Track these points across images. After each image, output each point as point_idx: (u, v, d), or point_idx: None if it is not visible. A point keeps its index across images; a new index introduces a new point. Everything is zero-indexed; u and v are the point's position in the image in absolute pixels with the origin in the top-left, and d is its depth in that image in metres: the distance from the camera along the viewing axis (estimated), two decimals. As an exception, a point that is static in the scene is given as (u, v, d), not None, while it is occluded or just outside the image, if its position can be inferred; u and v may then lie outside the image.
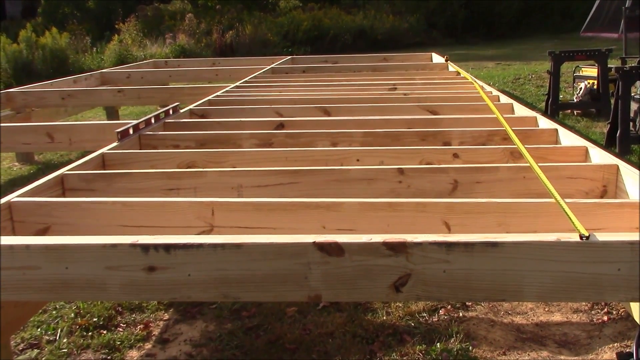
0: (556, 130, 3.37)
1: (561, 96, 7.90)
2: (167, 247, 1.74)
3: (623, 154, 5.10)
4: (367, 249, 1.72)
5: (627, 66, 5.33)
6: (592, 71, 7.17)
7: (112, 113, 7.59)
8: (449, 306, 2.73)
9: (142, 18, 20.23)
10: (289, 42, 17.92)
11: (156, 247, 1.74)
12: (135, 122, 3.48)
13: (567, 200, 2.10)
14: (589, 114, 6.85)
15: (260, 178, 2.62)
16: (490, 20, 20.14)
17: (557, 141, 3.32)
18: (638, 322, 1.90)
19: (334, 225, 2.14)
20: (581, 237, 1.72)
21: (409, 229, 2.08)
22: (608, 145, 5.35)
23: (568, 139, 3.20)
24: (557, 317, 2.62)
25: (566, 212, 1.90)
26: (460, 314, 2.68)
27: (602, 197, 2.57)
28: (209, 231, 2.19)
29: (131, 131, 3.37)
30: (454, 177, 2.59)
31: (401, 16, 19.58)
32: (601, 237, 1.72)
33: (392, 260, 1.72)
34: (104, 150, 3.03)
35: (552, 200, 2.04)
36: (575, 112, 7.00)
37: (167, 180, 2.62)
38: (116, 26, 18.88)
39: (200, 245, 1.73)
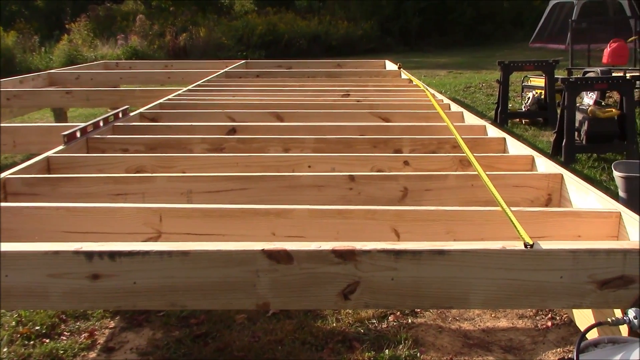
0: (504, 139, 3.44)
1: (510, 105, 8.07)
2: (112, 255, 1.70)
3: (568, 163, 5.24)
4: (316, 256, 1.72)
5: (572, 77, 5.49)
6: (540, 81, 7.35)
7: (60, 115, 7.41)
8: (398, 313, 2.75)
9: (94, 18, 19.83)
10: (243, 46, 17.83)
11: (100, 254, 1.69)
12: (83, 125, 3.40)
13: (513, 208, 2.14)
14: (537, 123, 7.02)
15: (210, 184, 2.60)
16: (444, 28, 20.47)
17: (504, 150, 3.39)
18: (579, 327, 1.95)
19: (284, 232, 2.13)
20: (525, 246, 1.76)
21: (358, 236, 2.08)
22: (554, 154, 5.49)
23: (515, 148, 3.27)
24: (503, 323, 2.67)
25: (512, 221, 1.94)
26: (409, 321, 2.70)
27: (547, 205, 2.63)
28: (156, 238, 2.15)
29: (78, 134, 3.29)
30: (404, 184, 2.61)
31: (355, 22, 19.71)
32: (545, 245, 1.76)
33: (340, 268, 1.72)
34: (49, 153, 2.95)
35: (499, 208, 2.07)
36: (523, 121, 7.16)
37: (114, 185, 2.56)
38: (66, 26, 18.44)
39: (146, 253, 1.70)
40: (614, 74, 6.99)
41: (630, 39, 9.05)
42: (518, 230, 1.85)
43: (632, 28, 9.47)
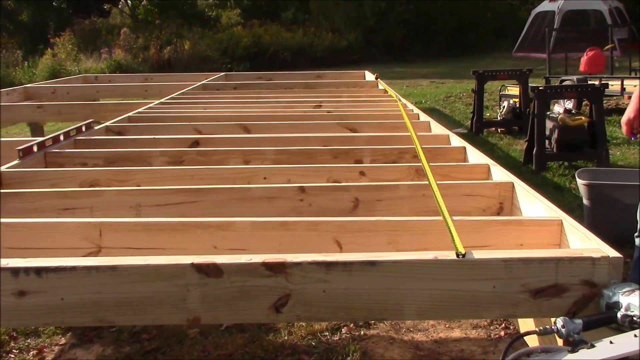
0: (464, 148, 3.44)
1: (488, 114, 8.11)
2: (38, 271, 1.67)
3: (539, 171, 5.25)
4: (246, 269, 1.70)
5: (541, 86, 5.51)
6: (516, 90, 7.37)
7: (36, 129, 7.35)
8: (352, 325, 2.73)
9: (79, 32, 19.81)
10: (228, 59, 17.85)
11: (26, 270, 1.67)
12: (40, 139, 3.38)
13: (456, 217, 2.14)
14: (512, 132, 7.05)
15: (159, 197, 2.58)
16: (427, 39, 20.56)
17: (465, 159, 3.39)
18: (521, 332, 1.93)
19: (226, 244, 2.12)
20: (458, 255, 1.75)
21: (301, 248, 2.07)
22: (526, 162, 5.50)
23: (474, 156, 3.27)
24: (456, 333, 2.66)
25: (449, 230, 1.93)
26: (362, 332, 2.68)
27: (498, 213, 2.63)
28: (96, 253, 2.13)
29: (35, 149, 3.26)
30: (355, 195, 2.60)
31: (340, 34, 19.79)
32: (477, 255, 1.76)
33: (271, 281, 1.71)
34: (2, 168, 2.92)
35: (441, 218, 2.07)
36: (499, 129, 7.18)
37: (62, 200, 2.54)
38: (50, 40, 18.41)
39: (73, 268, 1.68)
40: (590, 82, 7.01)
41: (606, 47, 9.12)
42: (453, 240, 1.85)
43: (608, 37, 9.56)
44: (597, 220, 3.74)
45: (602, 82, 6.51)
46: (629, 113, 2.64)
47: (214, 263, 1.70)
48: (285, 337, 2.63)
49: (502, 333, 2.65)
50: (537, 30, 17.35)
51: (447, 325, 2.72)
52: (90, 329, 2.74)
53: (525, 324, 2.12)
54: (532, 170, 5.33)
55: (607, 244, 1.84)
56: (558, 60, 10.24)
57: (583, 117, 5.39)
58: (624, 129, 2.67)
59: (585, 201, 3.83)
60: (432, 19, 20.39)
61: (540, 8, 18.51)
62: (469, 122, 7.41)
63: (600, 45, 9.62)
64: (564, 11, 17.38)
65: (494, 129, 7.22)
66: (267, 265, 1.70)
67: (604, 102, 6.75)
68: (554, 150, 5.38)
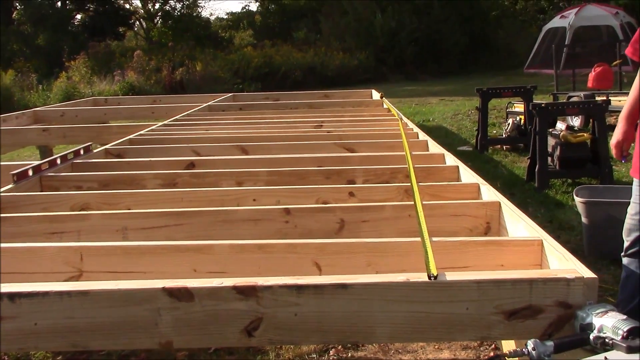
0: (457, 167, 3.43)
1: (495, 131, 8.09)
2: (12, 296, 1.69)
3: (542, 188, 5.21)
4: (217, 293, 1.70)
5: (543, 103, 5.49)
6: (522, 107, 7.35)
7: (45, 152, 7.46)
8: (340, 347, 2.72)
9: (93, 55, 20.11)
10: (239, 79, 18.00)
11: (-1, 296, 1.69)
12: (36, 163, 3.42)
13: (436, 238, 2.13)
14: (517, 149, 7.02)
15: (146, 220, 2.59)
16: (439, 57, 20.59)
17: (458, 178, 3.38)
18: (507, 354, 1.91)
19: (205, 268, 2.12)
20: (430, 277, 1.74)
21: (279, 270, 2.07)
22: (529, 179, 5.47)
23: (466, 176, 3.26)
24: (445, 355, 2.63)
25: (425, 251, 1.92)
26: (350, 354, 2.67)
27: (485, 233, 2.62)
28: (77, 277, 2.14)
29: (30, 172, 3.30)
30: (340, 216, 2.60)
31: (351, 53, 19.88)
32: (449, 276, 1.74)
33: (243, 305, 1.71)
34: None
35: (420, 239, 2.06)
36: (504, 147, 7.15)
37: (50, 224, 2.56)
38: (65, 63, 18.70)
39: (46, 294, 1.69)
40: (597, 98, 6.98)
41: (614, 63, 9.07)
42: (427, 262, 1.84)
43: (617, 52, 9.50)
44: (595, 237, 3.71)
45: (605, 99, 6.48)
46: (617, 136, 2.62)
47: (185, 287, 1.71)
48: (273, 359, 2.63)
49: (492, 354, 2.63)
50: (548, 46, 17.27)
51: (436, 347, 2.70)
52: (79, 353, 2.75)
53: (509, 345, 2.10)
54: (535, 187, 5.29)
55: (605, 261, 1.82)
56: (568, 77, 10.21)
57: (585, 134, 5.36)
58: (613, 152, 2.65)
59: (583, 219, 3.80)
60: (443, 37, 20.43)
61: (551, 24, 18.49)
62: (475, 139, 7.39)
63: (610, 60, 9.57)
64: (575, 27, 17.34)
65: (499, 146, 7.20)
66: (238, 289, 1.71)
67: (612, 117, 6.72)
68: (557, 167, 5.35)
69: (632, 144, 2.55)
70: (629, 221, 2.51)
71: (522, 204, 4.94)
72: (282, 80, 18.26)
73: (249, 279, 1.73)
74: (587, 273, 1.77)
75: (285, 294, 1.70)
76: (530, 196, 5.13)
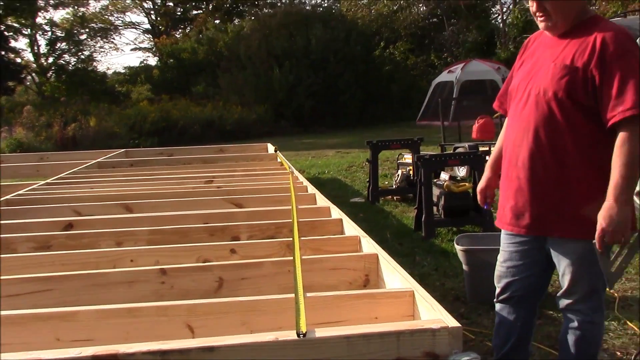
0: (341, 220, 3.48)
1: (387, 182, 8.31)
2: None
3: (428, 237, 5.37)
4: (75, 364, 1.61)
5: (427, 154, 5.72)
6: (411, 158, 7.61)
7: None
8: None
9: (-22, 111, 19.14)
10: (136, 134, 17.62)
11: None
12: None
13: (310, 294, 2.13)
14: (407, 199, 7.23)
15: (12, 287, 2.45)
16: (336, 110, 21.10)
17: (342, 231, 3.43)
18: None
19: (70, 336, 2.01)
20: (298, 335, 1.73)
21: (149, 335, 1.99)
22: (416, 229, 5.63)
23: (349, 228, 3.31)
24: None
25: (297, 308, 1.91)
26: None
27: (364, 286, 2.65)
28: None
29: None
30: (219, 274, 2.56)
31: (249, 107, 20.02)
32: (319, 333, 1.74)
33: (103, 375, 1.62)
34: None
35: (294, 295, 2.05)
36: (394, 197, 7.35)
37: None
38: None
39: None
40: (480, 149, 7.34)
41: (495, 115, 9.62)
42: (297, 319, 1.83)
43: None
44: (475, 284, 3.84)
45: (487, 149, 6.84)
46: (481, 183, 2.76)
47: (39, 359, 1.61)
48: None
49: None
50: (438, 99, 18.19)
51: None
52: None
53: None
54: (422, 236, 5.44)
55: (486, 306, 1.87)
56: (456, 128, 10.70)
57: (467, 184, 5.60)
58: (478, 197, 2.78)
59: (464, 266, 3.93)
60: (339, 91, 20.98)
61: (440, 79, 19.49)
62: (367, 191, 7.55)
63: (492, 113, 10.14)
64: (461, 81, 18.35)
65: (390, 197, 7.39)
66: (98, 359, 1.62)
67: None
68: (442, 216, 5.54)
69: (497, 192, 2.67)
70: (498, 268, 2.61)
71: (410, 254, 5.07)
72: (180, 134, 18.04)
73: (111, 347, 1.65)
74: (452, 322, 1.82)
75: (148, 361, 1.64)
76: (418, 245, 5.28)
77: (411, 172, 7.16)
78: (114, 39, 32.33)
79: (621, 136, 2.14)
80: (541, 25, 2.37)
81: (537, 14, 2.34)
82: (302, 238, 3.01)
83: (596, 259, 2.27)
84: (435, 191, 5.59)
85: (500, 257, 2.62)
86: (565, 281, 2.38)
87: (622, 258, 2.26)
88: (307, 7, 25.35)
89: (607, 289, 2.65)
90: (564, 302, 2.42)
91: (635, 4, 13.12)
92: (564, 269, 2.36)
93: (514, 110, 2.46)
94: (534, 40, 2.55)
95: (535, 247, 2.45)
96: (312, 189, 4.69)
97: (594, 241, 2.17)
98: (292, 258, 2.57)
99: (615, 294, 3.92)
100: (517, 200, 2.42)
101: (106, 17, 30.61)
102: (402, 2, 26.91)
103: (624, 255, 2.26)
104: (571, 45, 2.28)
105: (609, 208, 2.13)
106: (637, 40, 6.51)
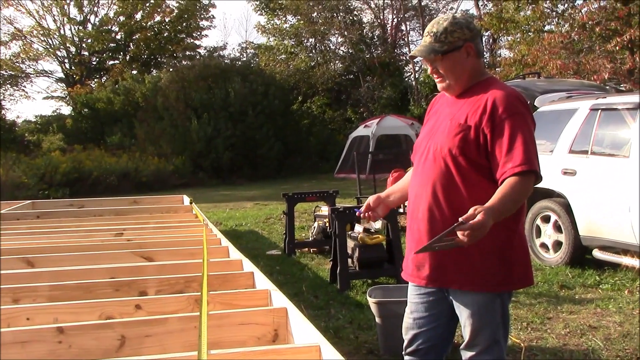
0: (252, 273, 3.44)
1: (304, 234, 8.31)
2: None
3: (343, 289, 5.39)
4: None
5: (341, 207, 5.78)
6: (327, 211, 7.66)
7: None
8: None
9: None
10: (45, 185, 16.93)
11: None
12: None
13: (215, 351, 2.08)
14: (324, 251, 7.24)
15: None
16: (254, 162, 21.11)
17: (253, 284, 3.38)
18: None
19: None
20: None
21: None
22: (332, 281, 5.64)
23: (259, 281, 3.27)
24: None
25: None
26: None
27: (273, 341, 2.61)
28: None
29: None
30: (121, 332, 2.46)
31: (167, 158, 19.74)
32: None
33: None
34: None
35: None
36: (311, 249, 7.36)
37: None
38: None
39: None
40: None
41: (407, 169, 9.90)
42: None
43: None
44: (387, 336, 3.86)
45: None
46: (375, 195, 2.72)
47: None
48: None
49: None
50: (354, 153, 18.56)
51: None
52: None
53: None
54: (337, 289, 5.45)
55: (398, 358, 1.85)
56: (372, 181, 10.92)
57: (380, 236, 5.68)
58: (363, 206, 2.72)
59: (377, 318, 3.95)
60: (258, 143, 21.04)
61: (356, 133, 19.93)
62: (283, 243, 7.53)
63: (407, 166, 10.43)
64: (377, 136, 18.84)
65: (306, 249, 7.39)
66: None
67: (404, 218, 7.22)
68: (356, 268, 5.58)
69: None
70: (405, 320, 2.63)
71: (325, 306, 5.05)
72: (94, 185, 17.51)
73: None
74: (356, 377, 1.80)
75: None
76: (333, 297, 5.27)
77: (327, 224, 7.19)
78: (24, 87, 31.18)
79: (511, 179, 2.22)
80: (439, 86, 2.49)
81: (434, 75, 2.48)
82: (212, 292, 2.95)
83: (497, 310, 2.33)
84: (350, 243, 5.64)
85: (407, 309, 2.65)
86: (466, 333, 2.42)
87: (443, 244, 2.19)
88: (226, 61, 25.51)
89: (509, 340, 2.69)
90: (466, 354, 2.46)
91: (532, 69, 14.00)
92: (464, 320, 2.41)
93: (416, 165, 2.55)
94: (439, 99, 2.66)
95: (440, 298, 2.50)
96: (225, 242, 4.63)
97: (461, 219, 2.08)
98: (199, 314, 2.51)
99: (522, 344, 4.03)
100: None
101: (17, 64, 29.63)
102: (319, 58, 27.62)
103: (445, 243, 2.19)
104: (467, 104, 2.40)
105: (483, 213, 2.07)
106: (537, 100, 6.89)
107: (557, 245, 6.17)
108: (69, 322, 2.55)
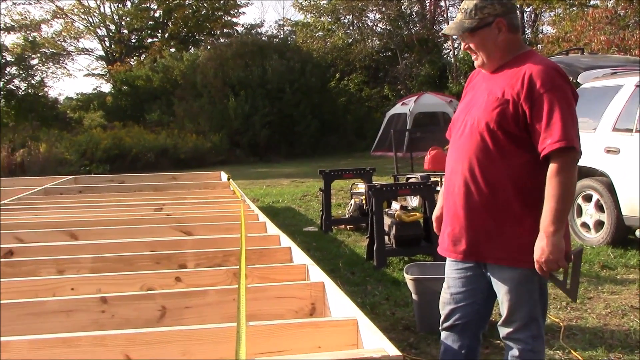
0: (290, 248, 3.47)
1: (340, 212, 8.32)
2: None
3: (380, 267, 5.38)
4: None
5: (378, 184, 5.76)
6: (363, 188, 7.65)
7: None
8: None
9: None
10: (87, 161, 17.28)
11: None
12: None
13: (253, 323, 2.10)
14: (360, 229, 7.25)
15: (-60, 317, 2.34)
16: (291, 140, 21.16)
17: (290, 259, 3.41)
18: None
19: (0, 368, 1.93)
20: (237, 365, 1.69)
21: (86, 366, 1.93)
22: (368, 258, 5.64)
23: (297, 256, 3.29)
24: None
25: (238, 337, 1.88)
26: None
27: (311, 315, 2.63)
28: None
29: None
30: (162, 303, 2.50)
31: (205, 135, 19.90)
32: (258, 363, 1.71)
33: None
34: None
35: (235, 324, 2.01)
36: (347, 226, 7.37)
37: None
38: None
39: None
40: (432, 179, 7.43)
41: (446, 147, 9.79)
42: (237, 349, 1.79)
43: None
44: (424, 313, 3.85)
45: (438, 180, 6.94)
46: (435, 211, 2.76)
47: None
48: None
49: None
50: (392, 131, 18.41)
51: None
52: None
53: None
54: (374, 265, 5.45)
55: (435, 335, 1.86)
56: (409, 159, 10.83)
57: (418, 214, 5.65)
58: (434, 225, 2.76)
59: (413, 295, 3.95)
60: (295, 121, 21.07)
61: (394, 111, 19.76)
62: (320, 220, 7.55)
63: (444, 144, 10.31)
64: (414, 113, 18.65)
65: (343, 226, 7.40)
66: (26, 391, 1.56)
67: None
68: (393, 245, 5.56)
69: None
70: (442, 295, 2.63)
71: (362, 283, 5.06)
72: (133, 162, 17.79)
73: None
74: (394, 351, 1.81)
75: (81, 393, 1.58)
76: (370, 274, 5.28)
77: (364, 202, 7.18)
78: (66, 64, 31.66)
79: (551, 168, 2.22)
80: (475, 63, 2.46)
81: (470, 52, 2.44)
82: (250, 266, 2.97)
83: (534, 287, 2.32)
84: (387, 221, 5.62)
85: (444, 284, 2.64)
86: (504, 309, 2.41)
87: (570, 276, 2.31)
88: (263, 38, 25.50)
89: (547, 317, 2.68)
90: (504, 331, 2.45)
91: (575, 45, 13.64)
92: (502, 296, 2.40)
93: (453, 140, 2.52)
94: (477, 73, 2.62)
95: (478, 274, 2.48)
96: (263, 217, 4.66)
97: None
98: (237, 286, 2.54)
99: (561, 323, 3.98)
100: (453, 226, 2.47)
101: (59, 42, 30.09)
102: (356, 35, 27.36)
103: (570, 274, 2.32)
104: (504, 78, 2.37)
105: (539, 240, 2.23)
106: (581, 77, 6.71)
107: (599, 225, 6.05)
108: (110, 293, 2.61)
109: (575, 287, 2.37)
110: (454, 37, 2.53)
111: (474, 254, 2.43)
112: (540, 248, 2.21)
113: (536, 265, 2.24)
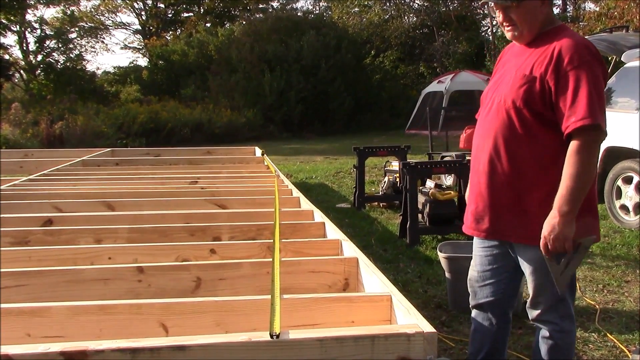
0: (323, 223, 3.46)
1: (374, 189, 8.30)
2: None
3: (413, 244, 5.36)
4: (42, 360, 1.58)
5: (413, 162, 5.72)
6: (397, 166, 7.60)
7: None
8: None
9: (-37, 107, 18.93)
10: (124, 134, 17.52)
11: None
12: None
13: (287, 295, 2.11)
14: (393, 206, 7.22)
15: (-17, 281, 2.40)
16: (325, 117, 21.11)
17: (324, 234, 3.41)
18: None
19: (41, 332, 1.97)
20: (272, 336, 1.70)
21: (123, 332, 1.96)
22: (401, 236, 5.62)
23: (331, 232, 3.29)
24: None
25: (272, 309, 1.88)
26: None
27: (344, 289, 2.63)
28: None
29: None
30: (197, 274, 2.53)
31: (239, 110, 19.98)
32: (292, 334, 1.72)
33: (70, 371, 1.59)
34: None
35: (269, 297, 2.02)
36: (380, 204, 7.34)
37: None
38: None
39: None
40: (467, 158, 7.35)
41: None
42: (271, 320, 1.80)
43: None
44: (457, 291, 3.83)
45: (469, 159, 6.83)
46: (468, 190, 2.72)
47: (7, 354, 1.57)
48: None
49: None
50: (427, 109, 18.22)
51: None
52: None
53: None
54: (406, 243, 5.43)
55: (467, 314, 1.84)
56: (444, 138, 10.73)
57: (452, 192, 5.60)
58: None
59: (446, 273, 3.92)
60: (329, 97, 21.00)
61: (430, 89, 19.54)
62: (353, 196, 7.54)
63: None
64: (450, 92, 18.42)
65: (376, 203, 7.38)
66: (66, 355, 1.59)
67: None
68: (427, 224, 5.53)
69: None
70: (470, 272, 2.61)
71: (394, 260, 5.05)
72: (168, 136, 17.97)
73: (80, 344, 1.62)
74: (428, 328, 1.80)
75: (118, 358, 1.60)
76: (402, 252, 5.26)
77: (398, 180, 7.14)
78: (104, 38, 32.05)
79: (573, 145, 2.16)
80: (508, 35, 2.39)
81: (504, 24, 2.36)
82: (283, 240, 2.99)
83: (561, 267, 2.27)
84: (421, 199, 5.59)
85: (472, 262, 2.63)
86: (530, 289, 2.39)
87: (568, 265, 2.23)
88: (299, 14, 25.36)
89: (576, 299, 2.63)
90: (532, 313, 2.43)
91: (619, 22, 13.25)
92: (528, 276, 2.39)
93: (481, 117, 2.48)
94: (508, 50, 2.56)
95: (504, 252, 2.46)
96: (296, 193, 4.67)
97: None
98: (271, 260, 2.55)
99: (597, 306, 3.92)
100: (477, 204, 2.44)
101: (97, 16, 30.41)
102: (392, 11, 26.99)
103: (570, 262, 2.23)
104: (533, 54, 2.30)
105: (552, 217, 2.17)
106: (625, 56, 6.51)
107: (638, 207, 5.92)
108: (146, 263, 2.64)
109: (568, 277, 2.28)
110: (492, 13, 2.45)
111: (497, 233, 2.40)
112: (551, 225, 2.16)
113: (542, 241, 2.19)
